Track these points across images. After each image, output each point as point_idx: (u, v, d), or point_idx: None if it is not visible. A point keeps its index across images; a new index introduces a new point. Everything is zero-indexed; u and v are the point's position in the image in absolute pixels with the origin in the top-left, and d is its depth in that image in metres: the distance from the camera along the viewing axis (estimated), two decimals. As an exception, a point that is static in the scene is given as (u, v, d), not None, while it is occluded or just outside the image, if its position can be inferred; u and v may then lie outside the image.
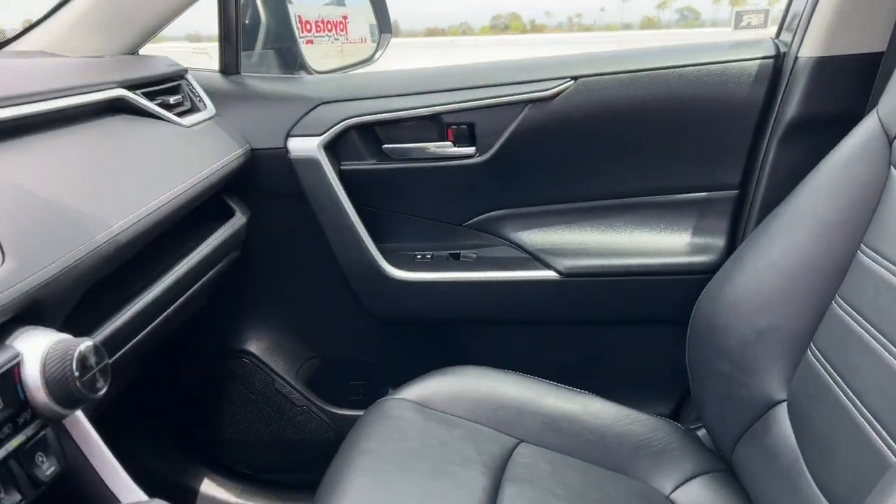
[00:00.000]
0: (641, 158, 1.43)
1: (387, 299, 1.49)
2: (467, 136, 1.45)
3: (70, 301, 0.80)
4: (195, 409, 1.63)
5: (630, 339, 1.50)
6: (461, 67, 1.48)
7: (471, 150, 1.45)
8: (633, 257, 1.42)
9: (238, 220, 1.40)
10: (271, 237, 1.52)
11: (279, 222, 1.50)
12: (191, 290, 1.21)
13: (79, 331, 0.86)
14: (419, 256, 1.52)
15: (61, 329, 0.81)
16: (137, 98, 1.19)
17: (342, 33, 2.18)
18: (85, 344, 0.68)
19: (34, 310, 0.72)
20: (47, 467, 0.69)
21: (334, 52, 2.12)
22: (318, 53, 1.96)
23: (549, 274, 1.43)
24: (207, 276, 1.28)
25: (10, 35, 1.35)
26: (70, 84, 1.05)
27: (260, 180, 1.45)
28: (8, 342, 0.66)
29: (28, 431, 0.66)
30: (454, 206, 1.52)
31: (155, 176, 1.07)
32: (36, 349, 0.66)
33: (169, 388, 1.62)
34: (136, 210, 0.94)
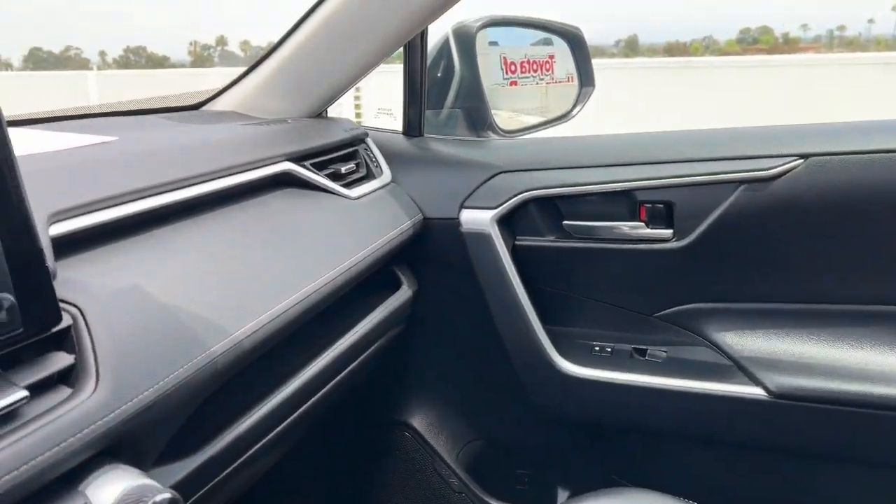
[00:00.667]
0: (889, 258, 1.12)
1: (554, 392, 1.32)
2: (664, 216, 1.25)
3: (174, 422, 0.74)
4: (352, 478, 1.58)
5: (856, 486, 1.19)
6: (660, 136, 1.28)
7: (667, 232, 1.24)
8: (874, 384, 1.12)
9: (404, 293, 1.32)
10: (438, 309, 1.42)
11: (447, 294, 1.40)
12: (343, 373, 1.14)
13: (190, 444, 0.81)
14: (597, 348, 1.34)
15: (166, 448, 0.76)
16: (303, 171, 1.15)
17: (547, 73, 2.07)
18: (161, 496, 0.61)
19: (124, 444, 0.66)
20: None
21: (538, 92, 2.01)
22: (521, 94, 1.86)
23: (756, 392, 1.17)
24: (366, 353, 1.21)
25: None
26: (235, 162, 1.03)
27: (430, 250, 1.36)
28: (81, 487, 0.61)
29: None
30: (644, 294, 1.32)
31: (309, 258, 1.02)
32: (105, 498, 0.60)
33: (326, 452, 1.59)
34: (272, 307, 0.88)
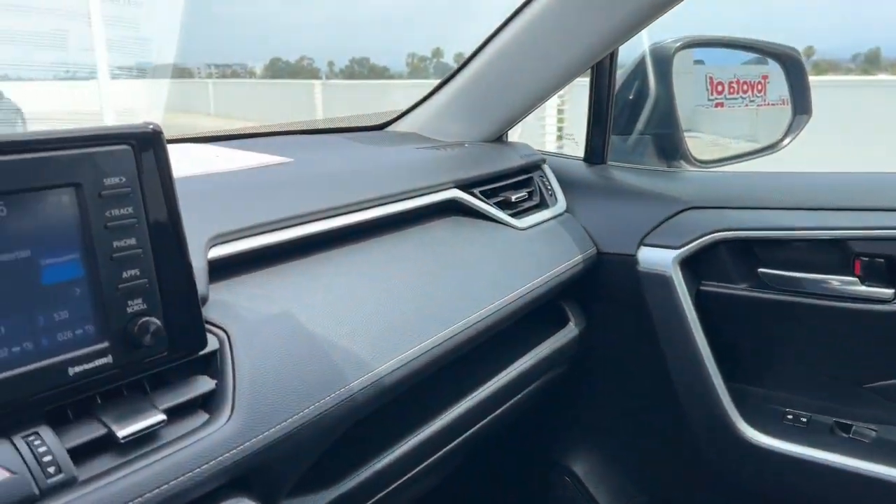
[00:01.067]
0: None
1: (733, 459, 1.17)
2: (883, 272, 1.06)
3: (308, 457, 0.74)
4: None
5: None
6: (882, 177, 1.09)
7: (887, 292, 1.05)
8: None
9: (570, 331, 1.24)
10: (607, 351, 1.32)
11: (618, 337, 1.30)
12: (498, 410, 1.09)
13: (325, 479, 0.80)
14: (790, 416, 1.16)
15: (299, 482, 0.76)
16: (470, 199, 1.12)
17: (759, 94, 1.87)
18: None
19: (255, 475, 0.66)
20: None
21: (747, 115, 1.83)
22: (727, 118, 1.70)
23: None
24: (525, 391, 1.16)
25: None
26: (404, 187, 1.01)
27: (602, 288, 1.27)
28: None
29: None
30: (852, 361, 1.13)
31: (468, 290, 0.98)
32: (225, 533, 0.60)
33: (479, 486, 1.54)
34: (419, 343, 0.85)
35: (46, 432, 0.54)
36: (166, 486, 0.58)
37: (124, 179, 0.60)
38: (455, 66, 1.33)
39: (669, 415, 1.25)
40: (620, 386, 1.34)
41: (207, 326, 0.70)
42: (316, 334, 0.76)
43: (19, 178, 0.54)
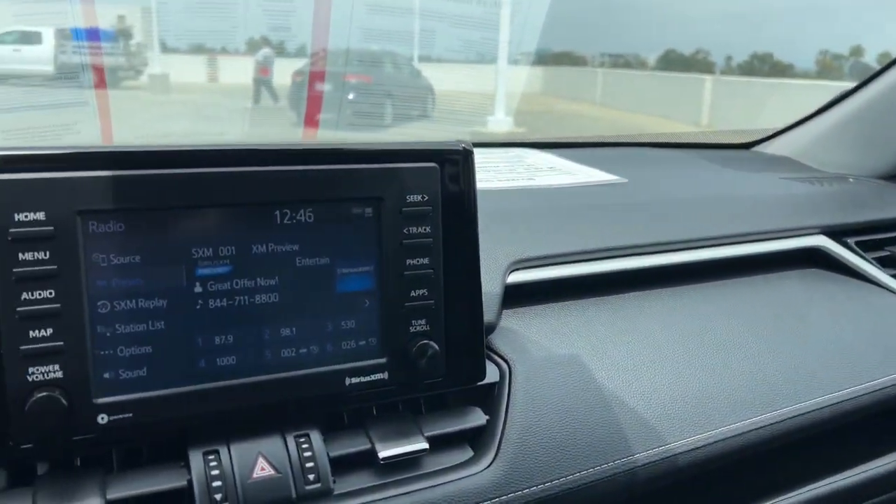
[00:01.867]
0: None
1: None
2: None
3: None
4: None
5: None
6: None
7: None
8: None
9: None
10: None
11: None
12: None
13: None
14: None
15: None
16: (839, 250, 0.91)
17: None
18: None
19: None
20: None
21: None
22: None
23: None
24: None
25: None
26: (759, 227, 0.86)
27: None
28: None
29: None
30: None
31: (815, 366, 0.80)
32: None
33: None
34: (739, 422, 0.71)
35: (316, 437, 0.56)
36: None
37: (426, 198, 0.58)
38: (877, 67, 1.08)
39: None
40: None
41: (490, 355, 0.66)
42: (606, 387, 0.68)
43: (329, 188, 0.55)
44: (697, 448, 0.68)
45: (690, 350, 0.75)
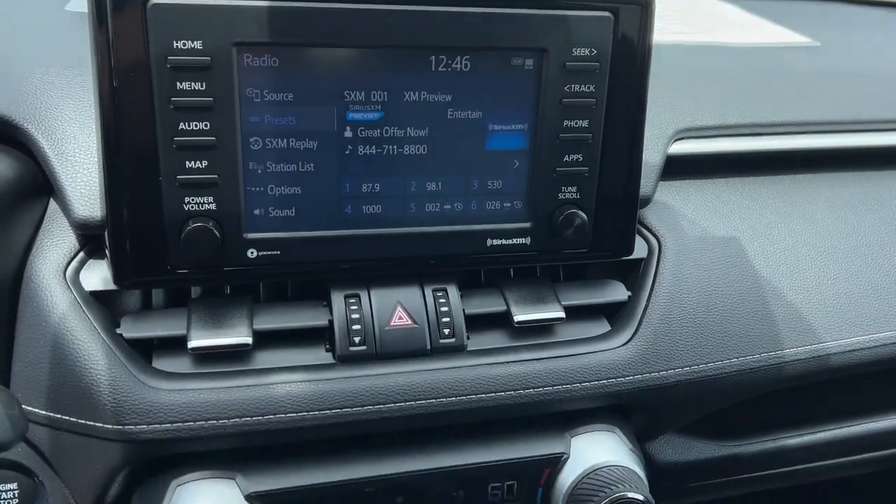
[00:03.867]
0: None
1: None
2: None
3: (696, 410, 0.64)
4: None
5: None
6: None
7: None
8: None
9: None
10: None
11: None
12: None
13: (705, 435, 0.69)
14: None
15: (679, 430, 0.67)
16: None
17: None
18: (633, 495, 0.53)
19: (635, 409, 0.60)
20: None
21: None
22: None
23: None
24: None
25: None
26: None
27: None
28: (570, 435, 0.58)
29: None
30: None
31: None
32: (586, 459, 0.56)
33: None
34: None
35: (453, 293, 0.56)
36: (543, 388, 0.55)
37: (594, 52, 0.53)
38: None
39: None
40: None
41: (640, 229, 0.62)
42: (762, 275, 0.62)
43: (488, 34, 0.51)
44: (853, 351, 0.63)
45: (863, 244, 0.67)
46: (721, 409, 0.65)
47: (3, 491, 0.55)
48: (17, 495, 0.55)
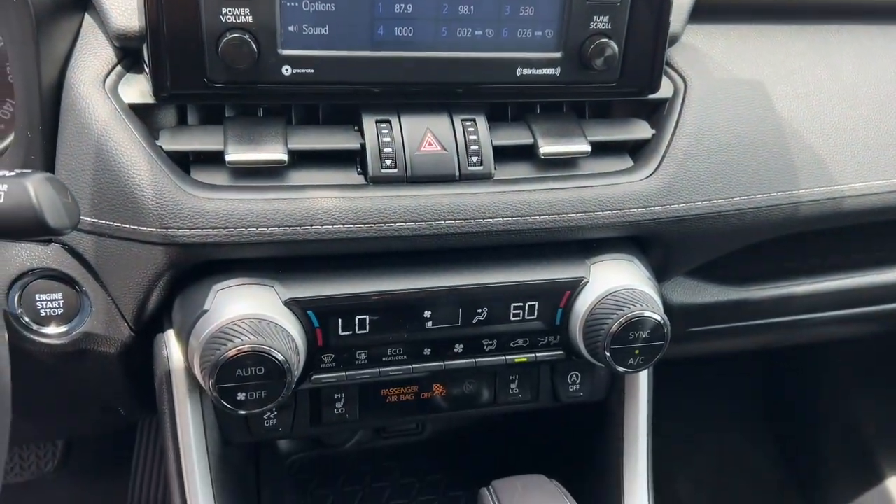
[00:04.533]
0: None
1: None
2: None
3: (717, 249, 0.66)
4: None
5: None
6: None
7: None
8: None
9: None
10: None
11: None
12: None
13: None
14: None
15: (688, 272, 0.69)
16: None
17: None
18: (650, 314, 0.56)
19: (651, 241, 0.62)
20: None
21: None
22: None
23: None
24: None
25: None
26: None
27: None
28: (590, 262, 0.60)
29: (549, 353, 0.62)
30: None
31: None
32: (605, 283, 0.58)
33: None
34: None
35: (482, 123, 0.56)
36: (567, 215, 0.57)
37: None
38: None
39: None
40: None
41: (667, 69, 0.62)
42: (784, 118, 0.63)
43: None
44: (867, 195, 0.64)
45: (884, 94, 0.68)
46: (732, 255, 0.67)
47: (47, 301, 0.57)
48: (61, 305, 0.57)
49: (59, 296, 0.57)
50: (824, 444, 1.41)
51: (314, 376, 0.55)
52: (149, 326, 0.58)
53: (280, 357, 0.49)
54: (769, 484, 1.45)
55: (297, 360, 0.52)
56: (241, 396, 0.50)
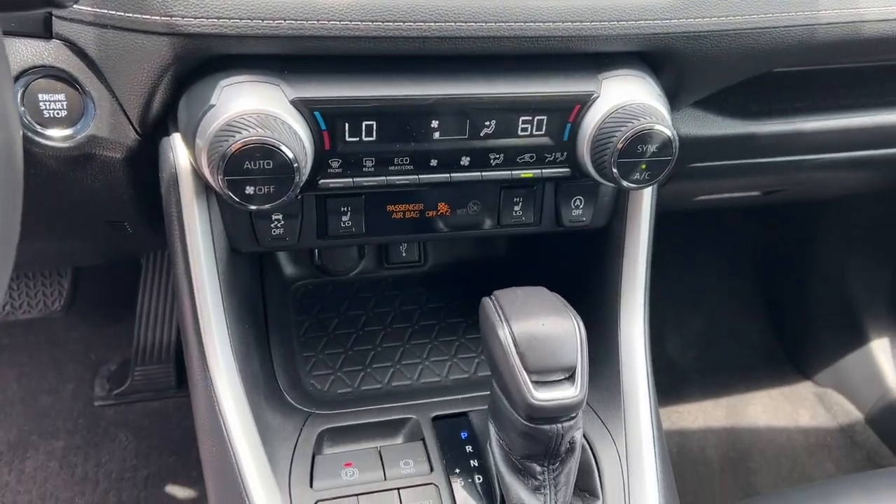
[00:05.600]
0: None
1: None
2: None
3: (730, 77, 0.64)
4: None
5: None
6: None
7: None
8: None
9: None
10: None
11: None
12: None
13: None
14: None
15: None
16: None
17: None
18: (660, 128, 0.55)
19: (661, 61, 0.61)
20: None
21: None
22: None
23: None
24: None
25: None
26: None
27: None
28: (601, 77, 0.58)
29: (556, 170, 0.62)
30: None
31: None
32: (616, 98, 0.57)
33: None
34: None
35: None
36: (581, 23, 0.54)
37: None
38: None
39: None
40: None
41: None
42: None
43: None
44: (888, 20, 0.62)
45: None
46: (742, 88, 0.66)
47: (50, 101, 0.56)
48: (65, 107, 0.57)
49: (62, 97, 0.56)
50: (812, 306, 1.45)
51: (321, 181, 0.56)
52: (154, 131, 0.57)
53: (288, 153, 0.49)
54: (756, 347, 1.51)
55: (305, 160, 0.52)
56: (249, 190, 0.50)
